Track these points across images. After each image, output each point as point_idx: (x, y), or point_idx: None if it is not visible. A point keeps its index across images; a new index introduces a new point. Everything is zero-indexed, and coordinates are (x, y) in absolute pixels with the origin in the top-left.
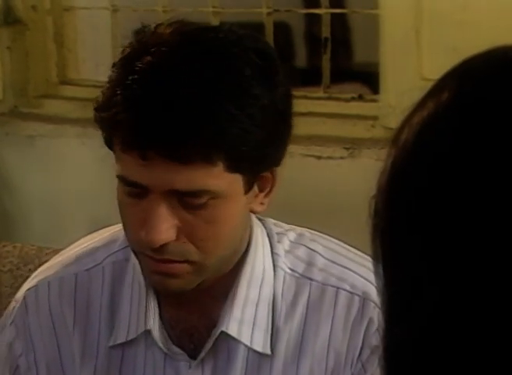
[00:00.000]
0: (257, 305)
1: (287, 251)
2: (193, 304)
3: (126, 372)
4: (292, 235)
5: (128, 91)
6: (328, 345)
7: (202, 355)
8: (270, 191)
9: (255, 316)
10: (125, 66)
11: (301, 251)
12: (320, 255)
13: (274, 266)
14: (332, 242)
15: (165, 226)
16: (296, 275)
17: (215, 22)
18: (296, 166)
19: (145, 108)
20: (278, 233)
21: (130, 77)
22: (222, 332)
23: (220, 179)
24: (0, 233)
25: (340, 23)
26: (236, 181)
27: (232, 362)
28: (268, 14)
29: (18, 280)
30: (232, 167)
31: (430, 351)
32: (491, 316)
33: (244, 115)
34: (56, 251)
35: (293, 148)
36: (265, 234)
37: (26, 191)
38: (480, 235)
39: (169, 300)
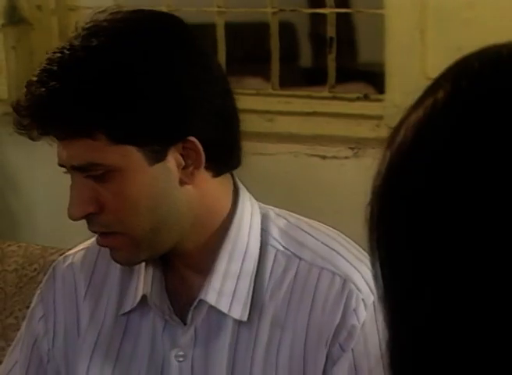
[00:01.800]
0: (238, 278)
1: (283, 231)
2: (193, 278)
3: (128, 338)
4: (291, 219)
5: (34, 74)
6: (308, 323)
7: (188, 322)
8: (199, 163)
9: (235, 288)
10: None
11: (297, 233)
12: (313, 237)
13: (263, 243)
14: (329, 229)
15: (79, 201)
16: (288, 253)
17: (219, 22)
18: (300, 166)
19: (32, 90)
20: (276, 214)
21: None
22: (202, 301)
23: (106, 152)
24: (5, 232)
25: (345, 23)
26: (129, 153)
27: (222, 332)
28: (273, 14)
29: (23, 279)
30: (116, 139)
31: (429, 351)
32: (487, 315)
33: (121, 91)
34: (61, 251)
35: (297, 148)
36: (258, 213)
37: (30, 191)
38: (478, 235)
39: (171, 273)
